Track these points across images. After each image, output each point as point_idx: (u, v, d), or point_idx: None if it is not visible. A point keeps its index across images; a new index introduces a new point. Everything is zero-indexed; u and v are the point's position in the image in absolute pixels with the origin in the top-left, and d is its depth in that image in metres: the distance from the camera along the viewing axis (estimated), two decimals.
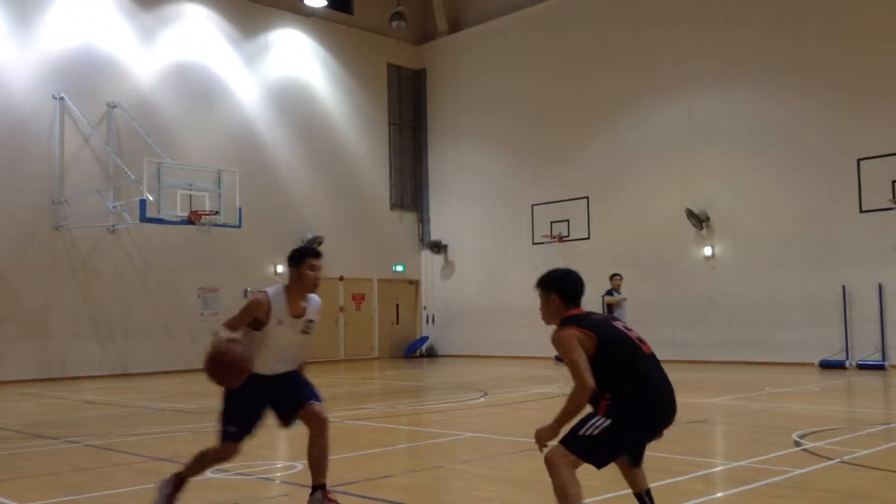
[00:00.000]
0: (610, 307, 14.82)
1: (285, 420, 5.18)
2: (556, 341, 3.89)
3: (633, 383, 3.81)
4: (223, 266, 20.80)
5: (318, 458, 5.10)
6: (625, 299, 16.30)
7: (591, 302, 19.74)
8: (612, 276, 15.94)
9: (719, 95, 19.53)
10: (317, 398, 5.13)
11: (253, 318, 5.00)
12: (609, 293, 15.79)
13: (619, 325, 4.03)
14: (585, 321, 3.95)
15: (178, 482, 5.12)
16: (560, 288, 4.11)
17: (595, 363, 3.81)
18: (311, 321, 5.14)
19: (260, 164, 21.80)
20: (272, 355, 5.02)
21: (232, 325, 5.03)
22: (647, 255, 20.36)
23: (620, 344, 3.89)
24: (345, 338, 23.48)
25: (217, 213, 17.59)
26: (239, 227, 18.38)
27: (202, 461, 5.18)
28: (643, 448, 4.09)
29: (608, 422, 3.75)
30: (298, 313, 5.07)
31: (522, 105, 23.46)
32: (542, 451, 3.96)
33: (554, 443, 3.89)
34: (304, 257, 5.10)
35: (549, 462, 3.77)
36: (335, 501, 5.11)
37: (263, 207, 21.22)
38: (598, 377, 3.81)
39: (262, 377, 5.00)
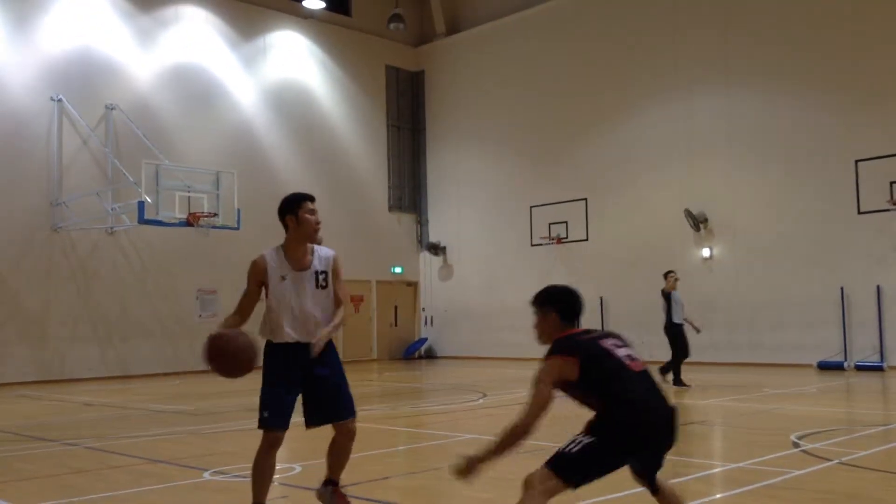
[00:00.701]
0: (669, 305, 13.96)
1: (312, 422, 4.87)
2: (538, 371, 3.74)
3: (617, 405, 3.63)
4: (222, 268, 20.77)
5: (337, 456, 4.90)
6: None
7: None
8: (667, 274, 14.51)
9: (718, 97, 19.54)
10: (353, 412, 4.86)
11: (259, 284, 4.76)
12: (665, 294, 14.21)
13: (608, 343, 3.81)
14: (570, 345, 3.78)
15: None
16: (559, 305, 3.96)
17: (579, 386, 3.69)
18: (322, 273, 4.80)
19: (258, 165, 21.80)
20: (288, 318, 4.70)
21: (240, 308, 4.82)
22: (646, 256, 20.36)
23: (606, 364, 3.70)
24: (343, 339, 23.46)
25: (215, 214, 17.58)
26: (237, 228, 18.37)
27: (260, 469, 4.84)
28: (649, 471, 3.84)
29: (591, 440, 3.59)
30: (303, 266, 4.76)
31: (521, 107, 23.47)
32: (466, 483, 3.82)
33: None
34: (300, 202, 4.80)
35: (528, 484, 3.58)
36: (345, 498, 4.99)
37: (262, 209, 21.09)
38: (583, 399, 3.72)
39: (288, 348, 4.72)
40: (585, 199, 21.72)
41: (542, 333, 3.96)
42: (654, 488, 3.88)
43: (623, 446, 3.62)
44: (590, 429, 3.66)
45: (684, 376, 13.74)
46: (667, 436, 3.71)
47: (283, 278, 4.72)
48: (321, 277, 4.80)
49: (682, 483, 5.90)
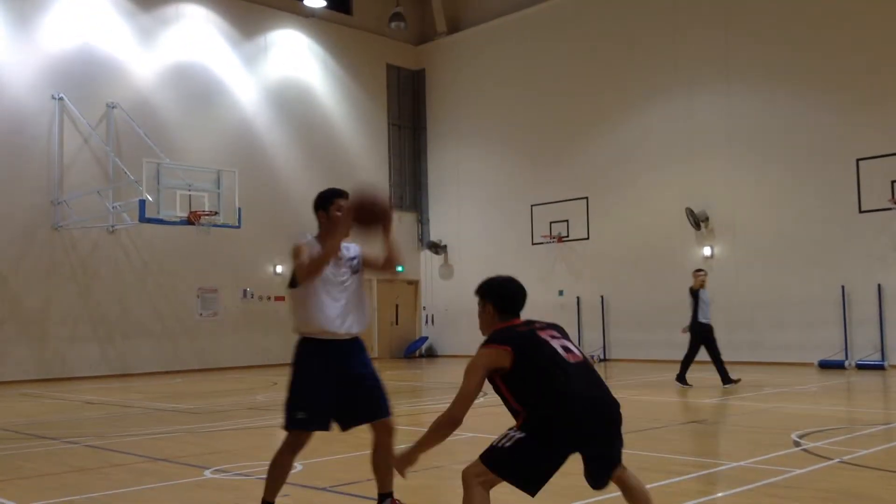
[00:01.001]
0: (696, 303, 13.70)
1: (346, 425, 4.77)
2: (470, 361, 3.73)
3: (547, 400, 3.53)
4: (222, 266, 20.81)
5: (385, 461, 4.77)
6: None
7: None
8: (696, 272, 14.10)
9: (719, 97, 19.53)
10: (389, 411, 4.80)
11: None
12: (693, 292, 13.75)
13: (545, 334, 3.73)
14: (505, 335, 3.74)
15: None
16: (495, 297, 3.94)
17: (512, 377, 3.62)
18: (353, 259, 4.81)
19: (259, 164, 21.81)
20: (327, 311, 4.63)
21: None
22: (647, 255, 20.37)
23: (539, 357, 3.62)
24: None
25: (216, 213, 17.59)
26: (238, 227, 18.38)
27: (281, 468, 4.74)
28: (600, 471, 3.70)
29: (521, 435, 3.52)
30: (338, 258, 4.73)
31: (522, 106, 23.46)
32: (404, 477, 3.82)
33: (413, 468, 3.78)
34: (332, 198, 4.75)
35: (463, 478, 3.56)
36: None
37: (263, 208, 21.23)
38: (514, 392, 3.63)
39: (326, 344, 4.66)
40: (587, 198, 21.71)
41: (482, 325, 3.97)
42: (599, 486, 3.73)
43: (555, 440, 3.50)
44: (521, 423, 3.58)
45: (689, 375, 13.55)
46: (605, 429, 3.60)
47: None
48: (354, 262, 4.83)
49: (682, 482, 5.90)
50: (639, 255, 20.47)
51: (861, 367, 16.75)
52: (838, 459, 6.69)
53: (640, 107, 20.95)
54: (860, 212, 17.22)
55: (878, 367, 16.52)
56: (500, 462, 3.53)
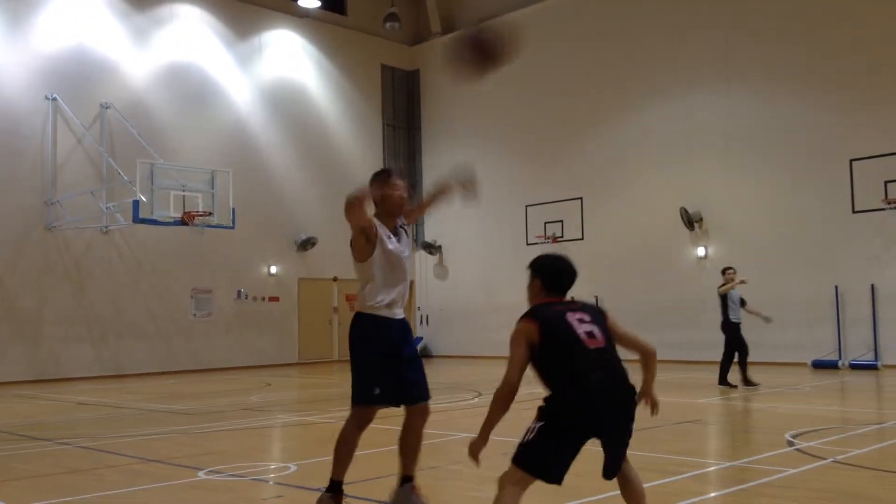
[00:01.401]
0: (724, 303, 13.59)
1: (399, 402, 4.89)
2: (511, 334, 3.78)
3: (565, 382, 3.61)
4: (216, 267, 20.79)
5: (413, 446, 4.87)
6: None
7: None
8: (725, 270, 13.74)
9: (718, 96, 19.58)
10: (429, 395, 4.96)
11: (367, 237, 4.70)
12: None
13: (573, 317, 3.76)
14: (539, 311, 3.81)
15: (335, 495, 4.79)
16: (543, 273, 3.98)
17: (540, 354, 3.68)
18: (403, 226, 4.95)
19: (253, 164, 21.79)
20: (390, 288, 4.76)
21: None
22: (642, 255, 20.40)
23: (562, 337, 3.68)
24: (339, 338, 23.44)
25: (210, 213, 17.55)
26: (232, 227, 18.36)
27: (350, 446, 4.78)
28: (612, 457, 3.75)
29: (541, 423, 3.57)
30: (393, 226, 4.87)
31: (517, 106, 23.48)
32: (477, 465, 3.84)
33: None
34: (384, 178, 4.83)
35: (500, 484, 3.61)
36: (422, 496, 4.93)
37: (257, 208, 21.21)
38: (541, 370, 3.71)
39: (387, 323, 4.77)
40: (581, 199, 21.74)
41: (529, 298, 4.02)
42: (608, 475, 3.77)
43: (569, 424, 3.55)
44: (540, 413, 3.63)
45: (731, 377, 13.16)
46: (616, 416, 3.64)
47: (389, 238, 4.79)
48: (407, 231, 4.99)
49: (677, 482, 5.91)
50: (634, 255, 20.51)
51: (854, 366, 16.81)
52: (832, 459, 6.71)
53: (637, 107, 20.98)
54: (854, 212, 17.28)
55: (872, 367, 16.58)
56: (526, 456, 3.58)
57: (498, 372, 3.93)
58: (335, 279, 23.28)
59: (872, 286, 16.99)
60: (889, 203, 16.67)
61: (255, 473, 6.56)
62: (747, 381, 13.15)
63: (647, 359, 3.91)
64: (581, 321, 3.76)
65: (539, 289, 3.97)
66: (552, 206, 22.26)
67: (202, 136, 21.00)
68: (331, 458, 4.90)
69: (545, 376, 3.71)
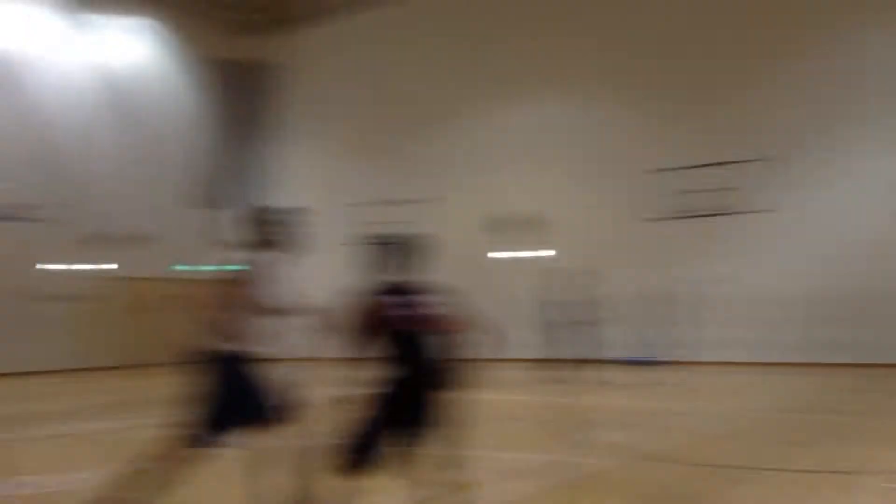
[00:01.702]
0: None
1: None
2: None
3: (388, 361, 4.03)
4: None
5: None
6: None
7: None
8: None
9: (529, 108, 21.17)
10: None
11: None
12: None
13: (395, 299, 4.15)
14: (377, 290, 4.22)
15: None
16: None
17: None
18: None
19: (73, 158, 20.01)
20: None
21: None
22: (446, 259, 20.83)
23: (383, 317, 4.16)
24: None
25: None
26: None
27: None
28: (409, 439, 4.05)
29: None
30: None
31: (366, 105, 23.58)
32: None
33: None
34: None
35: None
36: None
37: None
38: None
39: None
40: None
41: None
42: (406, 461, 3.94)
43: (386, 406, 3.87)
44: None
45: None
46: (420, 401, 3.94)
47: None
48: None
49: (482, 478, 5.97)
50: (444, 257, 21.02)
51: (659, 363, 17.68)
52: (636, 452, 7.12)
53: (465, 114, 22.07)
54: (650, 220, 18.88)
55: (660, 363, 17.61)
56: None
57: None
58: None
59: (678, 286, 18.10)
60: (681, 213, 18.36)
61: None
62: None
63: None
64: (398, 304, 4.18)
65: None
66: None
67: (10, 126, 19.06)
68: None
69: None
